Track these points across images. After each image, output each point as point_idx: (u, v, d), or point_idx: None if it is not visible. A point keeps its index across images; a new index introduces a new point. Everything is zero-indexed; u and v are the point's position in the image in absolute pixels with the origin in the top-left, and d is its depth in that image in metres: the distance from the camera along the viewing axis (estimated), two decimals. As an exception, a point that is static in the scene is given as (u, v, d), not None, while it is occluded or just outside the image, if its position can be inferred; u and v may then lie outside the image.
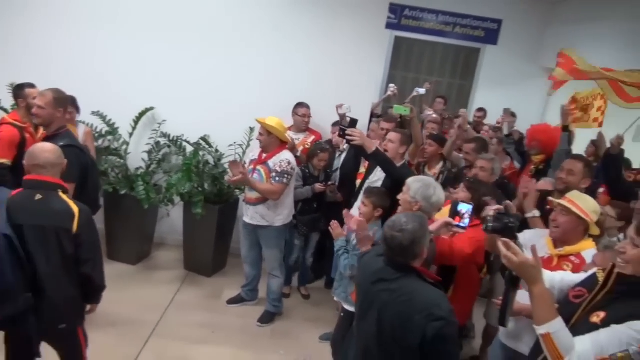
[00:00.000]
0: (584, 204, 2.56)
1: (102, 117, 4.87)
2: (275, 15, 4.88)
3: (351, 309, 3.16)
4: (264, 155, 3.96)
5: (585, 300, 1.84)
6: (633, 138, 8.59)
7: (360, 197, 3.50)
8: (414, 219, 2.13)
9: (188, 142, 4.96)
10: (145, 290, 4.49)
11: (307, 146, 4.70)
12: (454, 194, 3.14)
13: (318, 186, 4.35)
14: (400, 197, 2.89)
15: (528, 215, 3.31)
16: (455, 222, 2.55)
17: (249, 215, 4.06)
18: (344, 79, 4.88)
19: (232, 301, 4.46)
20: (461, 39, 7.83)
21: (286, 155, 3.91)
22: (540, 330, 1.72)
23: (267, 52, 4.93)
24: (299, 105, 4.75)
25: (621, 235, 3.09)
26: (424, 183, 2.77)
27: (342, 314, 3.39)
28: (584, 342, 1.68)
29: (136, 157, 5.00)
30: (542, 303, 1.74)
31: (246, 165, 4.05)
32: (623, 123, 4.63)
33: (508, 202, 2.61)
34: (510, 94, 7.40)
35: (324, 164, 4.39)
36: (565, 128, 4.48)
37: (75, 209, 2.40)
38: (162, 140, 5.05)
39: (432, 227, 2.48)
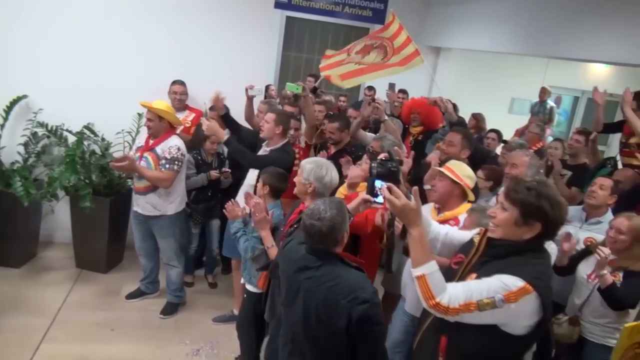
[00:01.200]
0: (459, 170, 2.77)
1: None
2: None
3: (254, 290, 3.15)
4: (151, 141, 3.79)
5: (463, 265, 1.97)
6: (508, 110, 9.44)
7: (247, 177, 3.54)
8: (332, 205, 2.14)
9: (70, 132, 4.61)
10: (32, 293, 4.15)
11: (187, 125, 4.55)
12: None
13: (213, 173, 4.26)
14: (295, 179, 2.91)
15: (426, 187, 3.49)
16: (373, 199, 2.61)
17: (140, 205, 3.89)
18: (235, 59, 4.80)
19: (131, 296, 4.28)
20: (350, 19, 7.96)
21: (175, 141, 3.78)
22: (416, 272, 1.78)
23: (152, 34, 4.71)
24: (173, 83, 4.60)
25: (493, 199, 3.33)
26: (316, 164, 2.79)
27: (245, 295, 3.38)
28: (456, 287, 1.78)
29: (11, 151, 4.57)
30: (420, 246, 1.80)
31: (132, 154, 3.85)
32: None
33: (390, 149, 2.74)
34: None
35: (217, 146, 4.29)
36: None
37: None
38: (40, 131, 4.65)
39: (351, 205, 2.53)
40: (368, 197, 2.54)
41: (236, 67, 4.60)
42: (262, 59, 5.18)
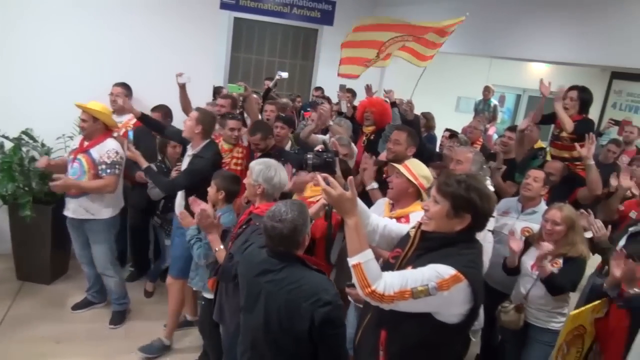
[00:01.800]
0: (417, 170, 2.80)
1: None
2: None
3: (210, 296, 3.10)
4: (86, 143, 3.65)
5: (399, 258, 2.01)
6: (455, 108, 9.70)
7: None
8: (293, 207, 2.12)
9: (6, 138, 4.38)
10: (-32, 310, 3.93)
11: (129, 128, 4.43)
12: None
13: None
14: (245, 181, 2.89)
15: (368, 187, 3.54)
16: None
17: (70, 209, 3.72)
18: (181, 60, 4.68)
19: (77, 306, 4.11)
20: (299, 20, 8.02)
21: (112, 145, 3.66)
22: (352, 261, 1.79)
23: (94, 35, 4.53)
24: (114, 85, 4.45)
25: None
26: (265, 165, 2.76)
27: (202, 303, 3.34)
28: (392, 275, 1.82)
29: (-60, 159, 4.29)
30: (356, 235, 1.81)
31: (65, 157, 3.72)
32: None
33: (325, 138, 2.75)
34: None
35: (180, 149, 4.17)
36: (394, 104, 4.93)
37: None
38: (-28, 138, 4.40)
39: (312, 209, 2.51)
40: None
41: (183, 68, 4.50)
42: (210, 60, 5.10)
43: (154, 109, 4.43)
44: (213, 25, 4.97)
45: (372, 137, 4.75)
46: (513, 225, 3.37)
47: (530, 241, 3.14)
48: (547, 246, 2.91)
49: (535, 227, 3.26)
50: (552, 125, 4.35)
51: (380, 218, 2.30)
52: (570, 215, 2.96)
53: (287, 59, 8.32)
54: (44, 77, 4.48)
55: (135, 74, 4.56)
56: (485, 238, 2.90)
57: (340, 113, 5.47)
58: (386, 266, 2.00)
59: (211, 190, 3.12)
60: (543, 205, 3.41)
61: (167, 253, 4.31)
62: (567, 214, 2.95)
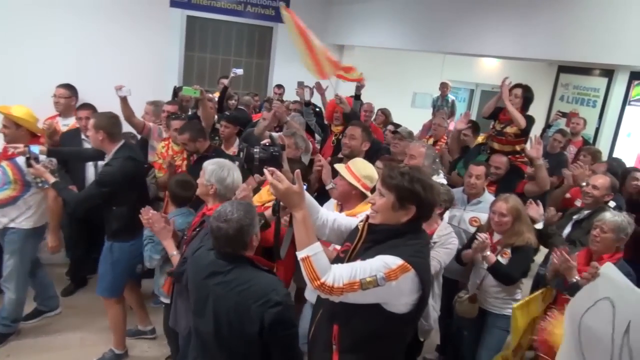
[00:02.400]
0: (359, 170, 2.77)
1: None
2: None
3: (166, 300, 3.04)
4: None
5: (348, 252, 2.02)
6: (411, 104, 9.85)
7: None
8: (239, 207, 2.07)
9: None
10: None
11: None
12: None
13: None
14: (198, 181, 2.84)
15: (327, 187, 3.53)
16: None
17: None
18: (131, 60, 4.57)
19: (28, 317, 3.90)
20: (254, 18, 7.98)
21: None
22: (301, 254, 1.78)
23: (39, 35, 4.34)
24: (57, 87, 4.24)
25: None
26: (218, 165, 2.71)
27: (163, 306, 3.28)
28: (341, 267, 1.82)
29: None
30: (304, 228, 1.81)
31: None
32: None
33: (272, 133, 2.74)
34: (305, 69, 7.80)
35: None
36: (358, 97, 5.10)
37: None
38: None
39: (268, 212, 2.47)
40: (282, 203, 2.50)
41: (134, 68, 4.39)
42: (162, 60, 4.99)
43: (80, 107, 4.17)
44: (163, 24, 4.87)
45: (341, 137, 4.80)
46: (461, 216, 3.52)
47: (479, 232, 3.23)
48: (482, 236, 3.01)
49: (483, 216, 3.37)
50: (493, 121, 4.45)
51: (329, 212, 2.29)
52: (516, 205, 3.06)
53: (243, 57, 8.25)
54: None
55: (82, 74, 4.40)
56: (448, 241, 3.00)
57: (307, 104, 5.48)
58: (336, 260, 2.00)
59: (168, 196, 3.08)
60: (487, 195, 3.56)
61: None
62: (512, 205, 3.05)
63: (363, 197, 2.76)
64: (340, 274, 1.77)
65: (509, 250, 3.05)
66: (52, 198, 3.48)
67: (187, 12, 7.67)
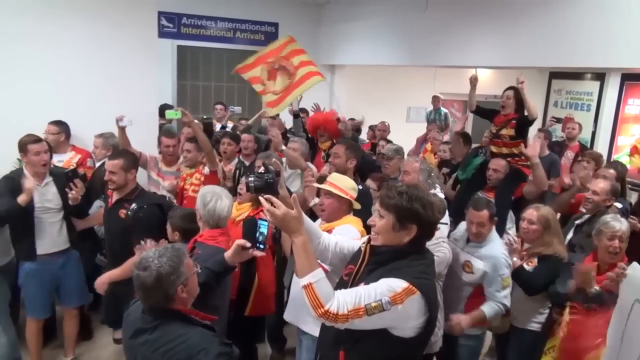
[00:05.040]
0: (343, 184, 2.76)
1: None
2: (33, 25, 4.30)
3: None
4: None
5: (352, 275, 1.97)
6: (406, 119, 9.86)
7: None
8: (165, 253, 1.80)
9: None
10: None
11: (72, 166, 4.14)
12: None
13: None
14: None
15: (311, 204, 3.48)
16: (249, 244, 2.26)
17: None
18: (123, 92, 4.56)
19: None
20: (243, 44, 8.03)
21: None
22: (303, 281, 1.72)
23: (27, 70, 4.34)
24: (48, 123, 4.23)
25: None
26: (206, 191, 2.70)
27: None
28: (344, 293, 1.76)
29: None
30: (304, 254, 1.76)
31: None
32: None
33: (265, 161, 2.73)
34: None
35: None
36: (297, 115, 5.40)
37: None
38: None
39: (227, 254, 2.30)
40: (244, 242, 2.28)
41: (128, 100, 4.39)
42: (155, 90, 4.99)
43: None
44: (153, 55, 4.90)
45: (330, 152, 4.79)
46: (457, 255, 3.06)
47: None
48: (512, 239, 3.05)
49: (477, 264, 2.96)
50: (491, 124, 4.44)
51: (331, 236, 2.25)
52: (547, 215, 3.00)
53: (235, 83, 8.27)
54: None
55: (73, 109, 4.39)
56: (437, 249, 2.90)
57: (296, 115, 5.52)
58: (340, 284, 1.96)
59: (168, 230, 2.92)
60: (491, 239, 3.01)
61: None
62: (542, 214, 3.00)
63: (348, 210, 2.78)
64: (344, 300, 1.71)
65: (535, 260, 2.99)
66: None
67: (177, 42, 7.72)
